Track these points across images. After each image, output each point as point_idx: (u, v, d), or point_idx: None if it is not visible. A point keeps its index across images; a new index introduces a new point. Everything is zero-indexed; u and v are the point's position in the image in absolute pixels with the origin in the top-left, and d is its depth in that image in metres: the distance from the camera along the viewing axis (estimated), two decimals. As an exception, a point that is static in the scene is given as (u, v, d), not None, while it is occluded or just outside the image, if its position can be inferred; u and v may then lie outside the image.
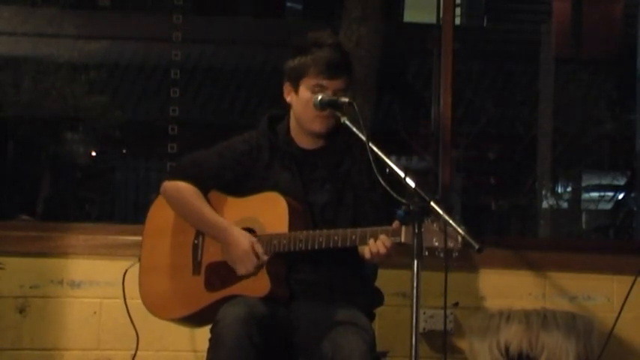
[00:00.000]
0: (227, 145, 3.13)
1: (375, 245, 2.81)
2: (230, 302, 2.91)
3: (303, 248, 2.91)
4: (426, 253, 2.69)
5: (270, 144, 3.10)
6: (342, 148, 3.08)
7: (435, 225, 2.71)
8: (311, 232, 2.92)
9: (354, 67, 3.11)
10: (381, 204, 2.98)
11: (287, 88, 3.07)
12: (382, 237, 2.81)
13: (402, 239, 2.79)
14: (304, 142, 3.09)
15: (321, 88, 2.98)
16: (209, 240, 3.07)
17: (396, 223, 2.80)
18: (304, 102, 3.01)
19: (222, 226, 3.01)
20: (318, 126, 3.02)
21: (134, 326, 3.90)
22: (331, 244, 2.88)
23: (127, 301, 3.84)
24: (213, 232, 3.03)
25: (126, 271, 3.81)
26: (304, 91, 3.01)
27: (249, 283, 2.97)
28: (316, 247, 2.90)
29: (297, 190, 3.03)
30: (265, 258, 2.93)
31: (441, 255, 2.71)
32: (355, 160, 3.05)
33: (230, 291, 2.98)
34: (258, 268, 2.94)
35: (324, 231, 2.90)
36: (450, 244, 2.69)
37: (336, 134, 3.07)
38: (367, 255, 2.85)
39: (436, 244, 2.72)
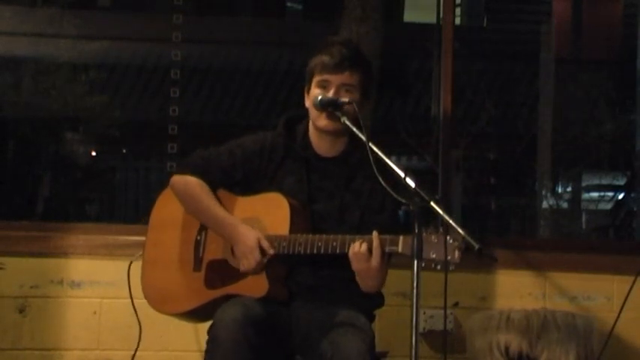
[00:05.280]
0: (238, 143, 3.12)
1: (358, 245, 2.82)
2: (227, 303, 2.90)
3: (302, 252, 2.91)
4: (423, 264, 2.68)
5: (285, 145, 3.09)
6: (358, 161, 3.04)
7: (433, 237, 2.70)
8: (310, 236, 2.91)
9: (368, 65, 3.09)
10: (387, 227, 2.92)
11: (305, 91, 3.08)
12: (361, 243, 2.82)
13: (400, 249, 2.79)
14: (321, 148, 3.08)
15: (327, 83, 2.99)
16: (211, 237, 3.07)
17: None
18: (312, 99, 3.02)
19: (229, 222, 3.01)
20: (323, 122, 3.00)
21: (138, 318, 3.88)
22: (329, 250, 2.88)
23: (128, 308, 3.83)
24: (220, 228, 3.03)
25: (130, 263, 3.80)
26: (313, 89, 3.02)
27: (248, 282, 2.96)
28: (315, 252, 2.89)
29: (301, 195, 3.02)
30: (272, 252, 2.92)
31: (438, 267, 2.71)
32: (368, 178, 3.00)
33: (229, 289, 2.98)
34: (261, 265, 2.93)
35: (324, 236, 2.89)
36: (448, 257, 2.69)
37: (355, 145, 3.04)
38: (350, 255, 2.83)
39: (433, 256, 2.70)
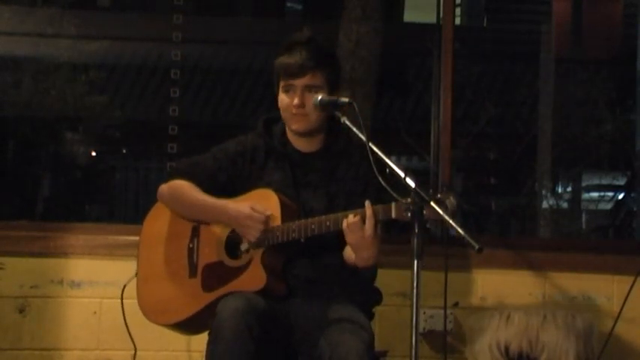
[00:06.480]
0: (221, 148, 3.16)
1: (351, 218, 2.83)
2: (229, 296, 2.91)
3: (297, 237, 2.92)
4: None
5: (266, 145, 3.11)
6: (340, 151, 3.09)
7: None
8: (303, 221, 2.93)
9: (334, 59, 3.12)
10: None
11: (276, 93, 3.12)
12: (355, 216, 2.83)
13: (394, 215, 2.79)
14: (300, 144, 3.10)
15: (291, 87, 3.02)
16: (204, 242, 3.07)
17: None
18: (280, 102, 3.06)
19: (219, 204, 3.02)
20: (295, 125, 3.04)
21: (131, 337, 3.90)
22: (324, 229, 2.88)
23: (126, 308, 3.84)
24: (214, 213, 3.04)
25: (124, 286, 3.81)
26: (280, 93, 3.07)
27: (246, 278, 2.97)
28: (309, 235, 2.90)
29: (289, 191, 3.04)
30: (269, 212, 2.94)
31: (434, 227, 2.74)
32: (351, 165, 3.06)
33: (228, 288, 2.97)
34: (266, 226, 2.93)
35: (316, 218, 2.91)
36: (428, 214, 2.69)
37: (334, 137, 3.09)
38: (344, 227, 2.83)
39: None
